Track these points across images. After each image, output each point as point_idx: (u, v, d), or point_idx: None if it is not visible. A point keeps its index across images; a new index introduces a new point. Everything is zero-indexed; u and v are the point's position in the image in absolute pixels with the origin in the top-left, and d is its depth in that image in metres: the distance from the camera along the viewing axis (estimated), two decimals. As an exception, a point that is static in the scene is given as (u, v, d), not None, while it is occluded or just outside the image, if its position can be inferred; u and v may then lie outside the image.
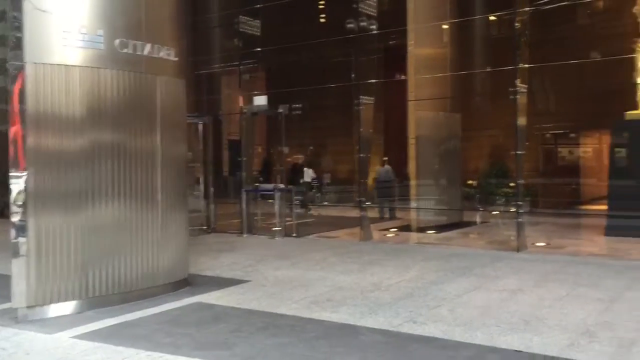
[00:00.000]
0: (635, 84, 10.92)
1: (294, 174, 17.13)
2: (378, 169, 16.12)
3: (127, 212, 6.04)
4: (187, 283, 6.76)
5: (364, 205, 11.07)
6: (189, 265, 6.98)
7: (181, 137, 6.76)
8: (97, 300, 5.79)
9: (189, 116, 10.36)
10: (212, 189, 12.21)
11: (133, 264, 6.10)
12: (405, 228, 12.14)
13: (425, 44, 12.29)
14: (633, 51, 10.87)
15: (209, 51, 16.29)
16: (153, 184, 6.27)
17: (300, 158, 17.72)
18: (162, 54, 6.36)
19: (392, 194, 14.28)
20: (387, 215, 14.27)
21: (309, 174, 17.64)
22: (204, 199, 12.07)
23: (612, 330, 4.88)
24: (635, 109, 10.91)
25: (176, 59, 6.53)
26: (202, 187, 12.12)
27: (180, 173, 6.73)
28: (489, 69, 13.73)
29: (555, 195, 14.31)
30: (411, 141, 12.35)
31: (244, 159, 12.03)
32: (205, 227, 11.79)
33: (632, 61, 10.89)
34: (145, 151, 6.21)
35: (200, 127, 12.02)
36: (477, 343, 4.61)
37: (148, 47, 6.20)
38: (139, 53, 6.12)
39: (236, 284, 6.85)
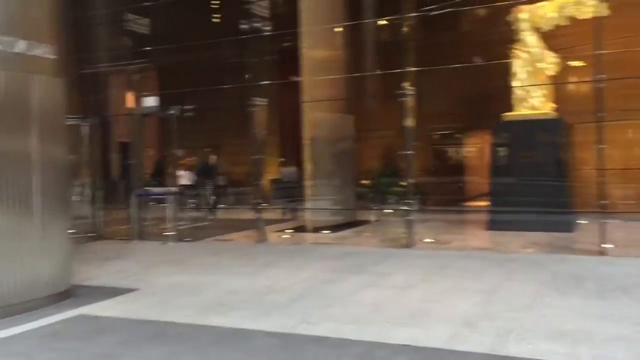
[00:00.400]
0: (511, 87, 11.67)
1: (205, 174, 16.04)
2: (282, 170, 15.97)
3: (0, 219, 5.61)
4: (71, 294, 6.38)
5: (260, 208, 11.02)
6: (72, 275, 6.60)
7: (61, 139, 6.37)
8: (-33, 317, 5.34)
9: (73, 117, 9.87)
10: (99, 194, 11.64)
11: (9, 276, 5.67)
12: (301, 229, 12.22)
13: (319, 46, 12.44)
14: (509, 56, 11.61)
15: (96, 49, 15.55)
16: (29, 188, 5.86)
17: (213, 158, 16.82)
18: (39, 51, 5.97)
19: (294, 194, 14.29)
20: (288, 217, 14.28)
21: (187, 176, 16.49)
22: (90, 204, 11.48)
23: (491, 320, 5.17)
24: (512, 110, 11.68)
25: (54, 57, 6.17)
26: (88, 191, 11.52)
27: (60, 177, 6.35)
28: (379, 72, 14.14)
29: (444, 193, 14.97)
30: (306, 142, 12.46)
31: (134, 161, 11.60)
32: (91, 234, 11.21)
33: (508, 66, 11.63)
34: (20, 153, 5.80)
35: (86, 129, 11.43)
36: (367, 340, 4.71)
37: (22, 44, 5.80)
38: (12, 50, 5.71)
39: (123, 293, 6.56)
